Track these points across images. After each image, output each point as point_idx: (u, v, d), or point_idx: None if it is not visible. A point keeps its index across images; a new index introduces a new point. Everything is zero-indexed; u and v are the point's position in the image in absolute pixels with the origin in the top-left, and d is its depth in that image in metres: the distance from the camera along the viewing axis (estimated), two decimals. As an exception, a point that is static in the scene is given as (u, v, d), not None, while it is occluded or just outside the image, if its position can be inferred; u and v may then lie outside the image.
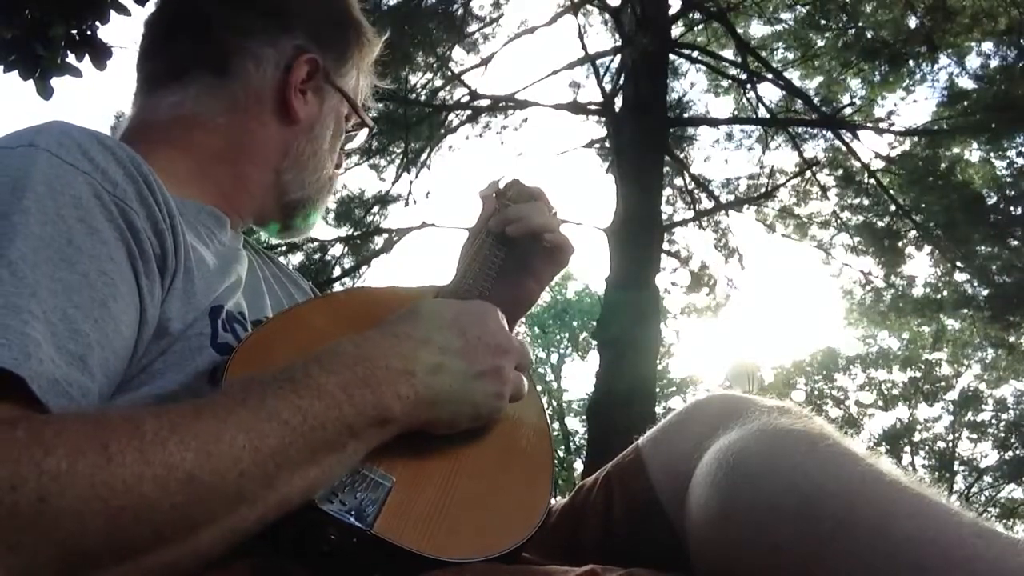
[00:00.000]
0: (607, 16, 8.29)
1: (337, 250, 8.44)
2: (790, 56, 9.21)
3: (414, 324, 0.67)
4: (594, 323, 8.49)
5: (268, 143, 0.87)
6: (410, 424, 0.64)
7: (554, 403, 19.18)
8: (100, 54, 2.84)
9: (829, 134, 8.62)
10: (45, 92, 2.77)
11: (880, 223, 8.71)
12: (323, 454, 0.57)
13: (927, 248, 8.74)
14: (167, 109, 0.84)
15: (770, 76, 8.58)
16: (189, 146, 0.82)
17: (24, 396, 0.51)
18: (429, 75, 8.24)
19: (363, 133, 0.99)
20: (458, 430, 0.68)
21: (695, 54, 8.88)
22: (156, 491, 0.48)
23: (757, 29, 9.45)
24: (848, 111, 8.44)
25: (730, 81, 9.26)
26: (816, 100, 8.67)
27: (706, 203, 9.19)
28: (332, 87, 0.90)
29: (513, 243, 0.90)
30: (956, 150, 8.50)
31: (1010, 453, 17.41)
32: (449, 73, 8.18)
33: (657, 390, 9.29)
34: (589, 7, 8.40)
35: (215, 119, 0.84)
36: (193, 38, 0.87)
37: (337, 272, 8.33)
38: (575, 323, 20.36)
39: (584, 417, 12.85)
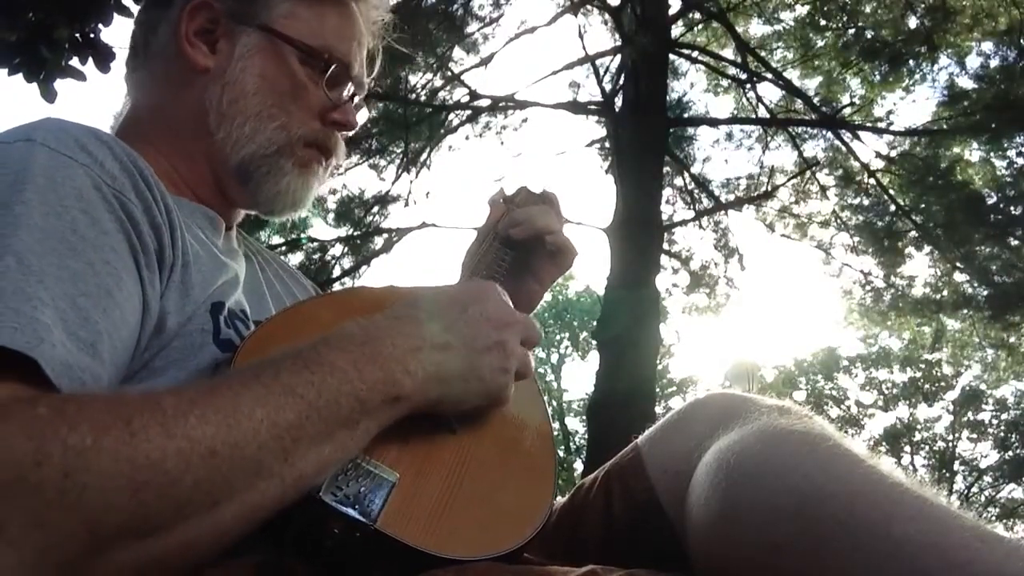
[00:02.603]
0: (607, 16, 8.27)
1: (337, 250, 8.43)
2: (790, 56, 9.20)
3: (416, 307, 0.68)
4: (594, 323, 8.48)
5: (190, 108, 0.82)
6: (421, 402, 0.64)
7: (554, 403, 19.16)
8: (103, 56, 2.84)
9: (829, 134, 8.61)
10: (49, 95, 2.77)
11: (880, 223, 8.70)
12: (337, 430, 0.57)
13: (927, 248, 8.72)
14: (127, 108, 0.87)
15: (770, 76, 8.56)
16: (150, 140, 0.82)
17: (38, 380, 0.51)
18: (429, 75, 8.23)
19: (346, 79, 0.87)
20: (468, 407, 0.68)
21: (695, 54, 8.87)
22: (179, 465, 0.48)
23: (757, 29, 9.45)
24: (848, 111, 8.43)
25: (730, 81, 9.24)
26: (816, 100, 8.65)
27: (706, 203, 9.19)
28: (243, 25, 0.83)
29: (519, 246, 0.91)
30: (956, 150, 8.48)
31: (1010, 453, 17.38)
32: (449, 73, 8.17)
33: (657, 390, 9.29)
34: (589, 7, 8.38)
35: (149, 104, 0.85)
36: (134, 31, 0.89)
37: (337, 272, 8.32)
38: (575, 323, 20.34)
39: (584, 417, 12.84)
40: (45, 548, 0.45)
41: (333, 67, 0.84)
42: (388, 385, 0.61)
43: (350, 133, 0.89)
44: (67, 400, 0.50)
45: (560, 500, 0.87)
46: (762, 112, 8.80)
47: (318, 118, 0.85)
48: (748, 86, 8.69)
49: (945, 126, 8.28)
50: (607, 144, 8.37)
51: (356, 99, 0.90)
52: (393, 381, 0.61)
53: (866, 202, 8.91)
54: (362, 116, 0.92)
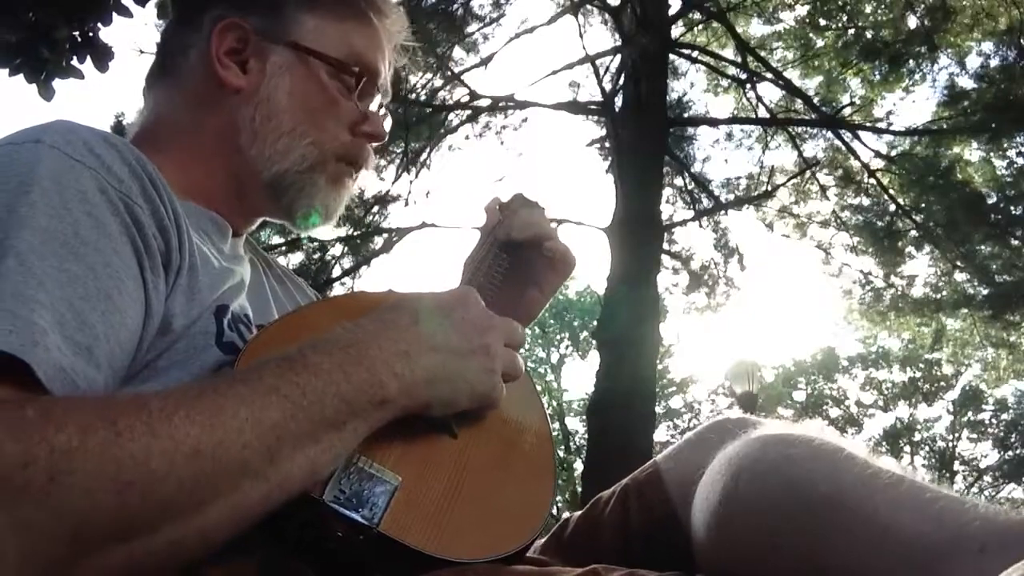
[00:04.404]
0: (607, 16, 8.29)
1: (337, 250, 8.44)
2: (790, 56, 9.22)
3: (400, 311, 0.68)
4: (594, 323, 8.49)
5: (219, 127, 0.83)
6: (408, 405, 0.64)
7: (554, 403, 19.16)
8: (102, 56, 2.85)
9: (829, 134, 8.63)
10: (47, 94, 2.78)
11: (880, 223, 8.71)
12: (323, 431, 0.57)
13: (927, 248, 8.75)
14: (145, 120, 0.88)
15: (770, 76, 8.58)
16: (167, 151, 0.82)
17: (30, 383, 0.51)
18: (429, 75, 8.24)
19: (374, 90, 0.89)
20: (457, 410, 0.69)
21: (695, 54, 8.88)
22: (163, 465, 0.49)
23: (757, 29, 9.46)
24: (848, 111, 8.44)
25: (730, 81, 9.25)
26: (816, 100, 8.67)
27: (706, 203, 9.20)
28: (272, 43, 0.83)
29: (516, 252, 0.92)
30: (956, 150, 8.50)
31: (1010, 453, 17.42)
32: (449, 73, 8.17)
33: (657, 390, 9.30)
34: (589, 7, 8.39)
35: (174, 120, 0.85)
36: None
37: (337, 272, 8.33)
38: (575, 323, 20.34)
39: (584, 417, 12.85)
40: (30, 550, 0.45)
41: (363, 79, 0.86)
42: (375, 387, 0.61)
43: (380, 143, 0.91)
44: (55, 402, 0.50)
45: (577, 513, 0.88)
46: (762, 112, 8.82)
47: (348, 131, 0.87)
48: (748, 86, 8.70)
49: (945, 126, 8.30)
50: (607, 144, 8.38)
51: (383, 108, 0.91)
52: (380, 383, 0.61)
53: (866, 202, 8.94)
54: (388, 123, 0.93)
